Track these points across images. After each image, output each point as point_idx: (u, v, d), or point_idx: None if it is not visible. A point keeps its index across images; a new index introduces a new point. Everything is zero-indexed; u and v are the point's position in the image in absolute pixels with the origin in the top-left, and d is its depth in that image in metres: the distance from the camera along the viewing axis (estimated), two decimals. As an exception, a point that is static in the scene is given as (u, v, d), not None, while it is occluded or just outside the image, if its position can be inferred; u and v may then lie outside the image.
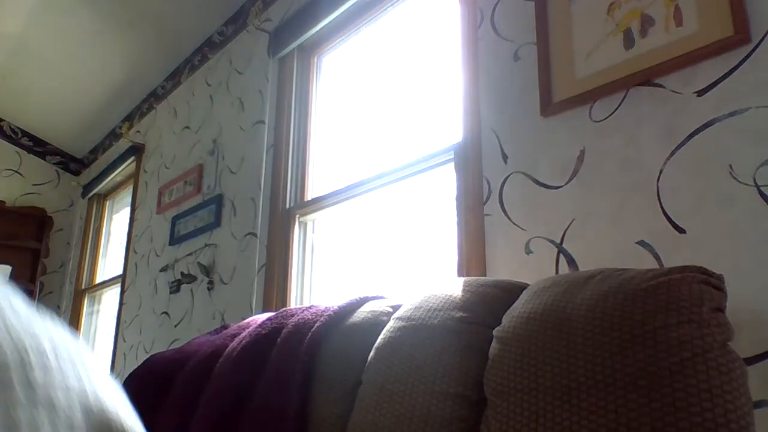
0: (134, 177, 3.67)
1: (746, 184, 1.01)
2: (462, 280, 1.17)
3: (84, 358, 0.48)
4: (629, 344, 0.76)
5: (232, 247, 2.47)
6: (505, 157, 1.44)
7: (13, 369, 0.40)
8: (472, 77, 1.57)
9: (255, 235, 2.35)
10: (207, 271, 2.57)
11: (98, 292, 4.01)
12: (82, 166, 4.57)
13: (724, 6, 1.09)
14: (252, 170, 2.48)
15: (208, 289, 2.55)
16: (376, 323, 1.24)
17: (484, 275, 1.41)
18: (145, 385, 1.62)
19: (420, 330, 1.08)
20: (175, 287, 2.81)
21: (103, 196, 4.30)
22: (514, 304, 1.00)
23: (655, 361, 0.73)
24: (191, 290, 2.69)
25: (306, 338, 1.31)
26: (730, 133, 1.05)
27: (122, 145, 3.86)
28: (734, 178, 1.03)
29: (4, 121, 4.15)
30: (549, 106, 1.35)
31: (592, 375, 0.78)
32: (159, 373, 1.63)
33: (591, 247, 1.22)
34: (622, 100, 1.23)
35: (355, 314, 1.32)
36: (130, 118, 3.91)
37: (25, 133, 4.22)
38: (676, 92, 1.14)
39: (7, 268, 3.97)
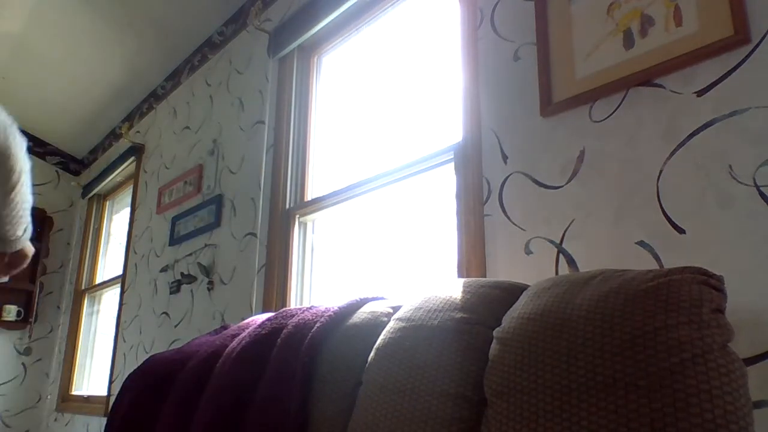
0: (134, 177, 3.67)
1: (746, 184, 1.01)
2: (462, 280, 1.17)
3: None
4: (629, 345, 0.76)
5: (232, 247, 2.47)
6: (505, 157, 1.44)
7: None
8: (472, 77, 1.57)
9: (255, 235, 2.35)
10: (207, 271, 2.57)
11: (98, 293, 4.01)
12: (82, 166, 4.57)
13: (724, 6, 1.09)
14: (252, 170, 2.48)
15: (208, 289, 2.55)
16: (376, 324, 1.24)
17: (484, 276, 1.41)
18: (145, 385, 1.62)
19: (420, 331, 1.08)
20: (175, 287, 2.81)
21: (103, 197, 4.30)
22: (515, 305, 1.00)
23: (655, 362, 0.73)
24: (191, 290, 2.70)
25: (306, 339, 1.31)
26: (730, 133, 1.05)
27: (122, 145, 3.86)
28: (734, 178, 1.03)
29: (4, 121, 4.15)
30: (549, 106, 1.35)
31: (592, 376, 0.78)
32: (159, 373, 1.63)
33: (591, 247, 1.22)
34: (622, 100, 1.23)
35: (356, 315, 1.32)
36: (130, 118, 3.91)
37: (25, 134, 4.21)
38: (676, 92, 1.14)
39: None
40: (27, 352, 4.17)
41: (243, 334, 1.53)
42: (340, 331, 1.29)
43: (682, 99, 1.13)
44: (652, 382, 0.72)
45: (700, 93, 1.11)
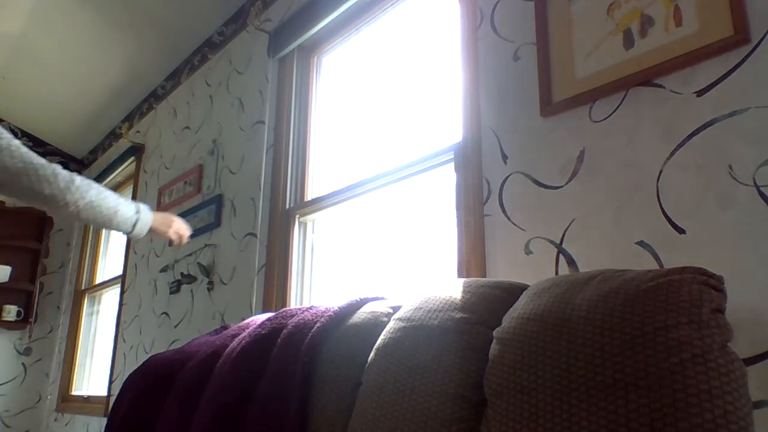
0: (134, 177, 3.67)
1: (746, 184, 1.01)
2: (462, 280, 1.17)
3: None
4: (629, 345, 0.76)
5: (232, 247, 2.47)
6: (504, 158, 1.44)
7: None
8: (472, 77, 1.57)
9: (255, 235, 2.35)
10: (207, 271, 2.57)
11: (98, 293, 4.01)
12: (82, 166, 4.57)
13: (723, 6, 1.09)
14: (252, 170, 2.48)
15: (208, 289, 2.55)
16: (376, 324, 1.24)
17: (484, 276, 1.41)
18: (145, 385, 1.62)
19: (420, 331, 1.08)
20: (175, 287, 2.81)
21: (103, 197, 4.29)
22: (514, 305, 1.00)
23: (655, 362, 0.73)
24: (191, 291, 2.70)
25: (306, 339, 1.31)
26: (730, 133, 1.05)
27: (122, 145, 3.86)
28: (734, 178, 1.03)
29: (4, 121, 4.15)
30: (549, 106, 1.35)
31: (592, 376, 0.78)
32: (159, 373, 1.63)
33: (591, 247, 1.22)
34: (622, 100, 1.23)
35: (355, 315, 1.32)
36: (129, 119, 3.91)
37: (25, 134, 4.22)
38: (676, 92, 1.14)
39: (7, 269, 3.97)
40: (27, 352, 4.17)
41: (243, 334, 1.53)
42: (340, 331, 1.29)
43: (682, 99, 1.13)
44: (652, 382, 0.72)
45: (700, 93, 1.11)
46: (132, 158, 3.66)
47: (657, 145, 1.15)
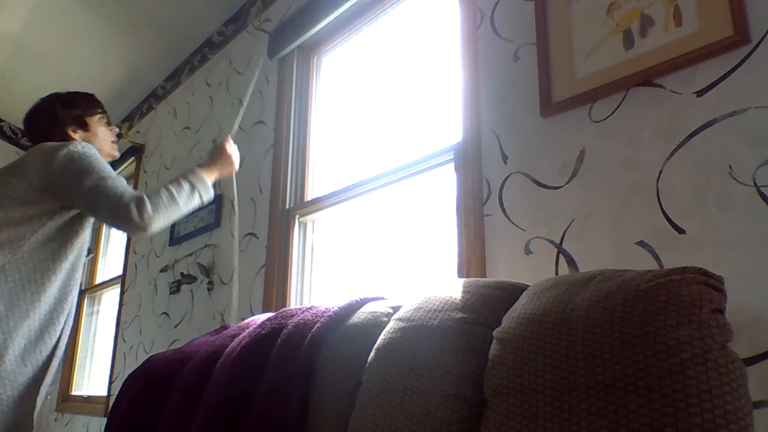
0: (134, 177, 3.67)
1: (746, 185, 1.01)
2: (462, 281, 1.17)
3: None
4: (629, 345, 0.76)
5: (232, 247, 2.47)
6: (504, 158, 1.44)
7: None
8: (472, 77, 1.57)
9: (255, 235, 2.35)
10: (207, 271, 2.57)
11: (98, 293, 4.01)
12: (82, 166, 4.56)
13: (723, 6, 1.09)
14: (252, 170, 2.47)
15: (208, 289, 2.55)
16: (376, 324, 1.24)
17: (484, 276, 1.41)
18: (145, 385, 1.62)
19: (420, 331, 1.08)
20: (175, 288, 2.81)
21: (103, 197, 4.29)
22: (514, 305, 1.00)
23: (655, 362, 0.73)
24: (191, 291, 2.69)
25: (306, 339, 1.31)
26: (730, 133, 1.05)
27: (122, 145, 3.85)
28: (734, 178, 1.03)
29: (5, 121, 4.15)
30: (549, 106, 1.35)
31: (592, 376, 0.78)
32: (159, 373, 1.63)
33: (591, 247, 1.22)
34: (622, 100, 1.23)
35: (355, 315, 1.32)
36: (130, 119, 3.91)
37: (25, 134, 4.21)
38: (676, 92, 1.14)
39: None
40: (27, 352, 4.16)
41: (243, 335, 1.52)
42: (340, 331, 1.29)
43: (682, 99, 1.13)
44: (651, 382, 0.72)
45: (700, 93, 1.11)
46: (132, 158, 3.66)
47: (657, 145, 1.15)
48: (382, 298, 1.40)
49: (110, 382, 3.27)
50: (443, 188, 1.70)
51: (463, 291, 1.11)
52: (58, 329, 1.53)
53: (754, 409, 0.76)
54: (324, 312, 1.37)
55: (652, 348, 0.74)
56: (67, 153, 1.48)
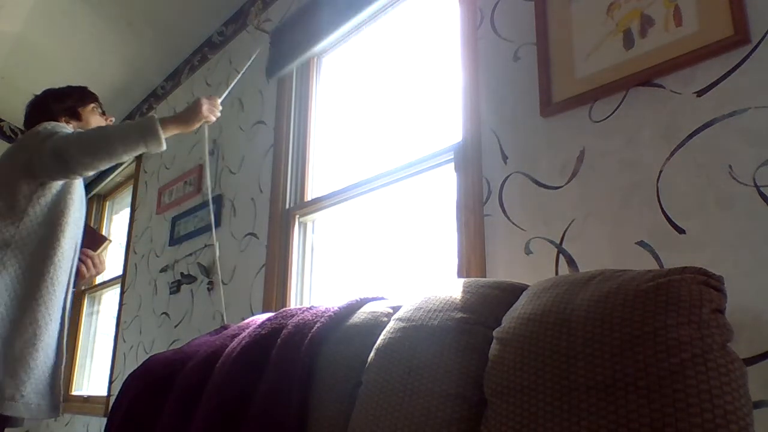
0: (134, 177, 3.67)
1: (746, 185, 1.01)
2: (462, 281, 1.17)
3: None
4: (629, 345, 0.76)
5: (232, 247, 2.47)
6: (504, 158, 1.44)
7: None
8: (472, 77, 1.57)
9: (255, 235, 2.35)
10: (207, 271, 2.57)
11: (98, 293, 4.01)
12: (82, 166, 4.56)
13: (723, 6, 1.09)
14: (252, 170, 2.47)
15: (208, 289, 2.55)
16: (376, 324, 1.24)
17: (484, 276, 1.41)
18: (145, 385, 1.62)
19: (420, 331, 1.08)
20: (175, 288, 2.81)
21: (103, 197, 4.30)
22: (515, 305, 1.00)
23: (655, 362, 0.73)
24: (191, 290, 2.69)
25: (306, 339, 1.31)
26: (730, 133, 1.05)
27: (122, 145, 3.85)
28: (734, 178, 1.03)
29: (4, 121, 4.15)
30: (549, 106, 1.35)
31: (592, 376, 0.78)
32: (159, 373, 1.63)
33: (591, 247, 1.22)
34: (622, 100, 1.23)
35: (356, 315, 1.32)
36: (130, 119, 3.91)
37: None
38: (676, 92, 1.14)
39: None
40: (27, 352, 4.16)
41: (243, 335, 1.52)
42: (340, 331, 1.29)
43: (682, 99, 1.13)
44: (651, 382, 0.72)
45: (700, 93, 1.11)
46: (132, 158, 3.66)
47: (657, 145, 1.15)
48: (382, 298, 1.40)
49: (110, 382, 3.27)
50: (443, 188, 1.70)
51: (463, 291, 1.11)
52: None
53: (754, 409, 0.76)
54: (324, 312, 1.37)
55: (652, 348, 0.74)
56: (35, 129, 1.56)
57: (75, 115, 1.75)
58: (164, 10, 2.94)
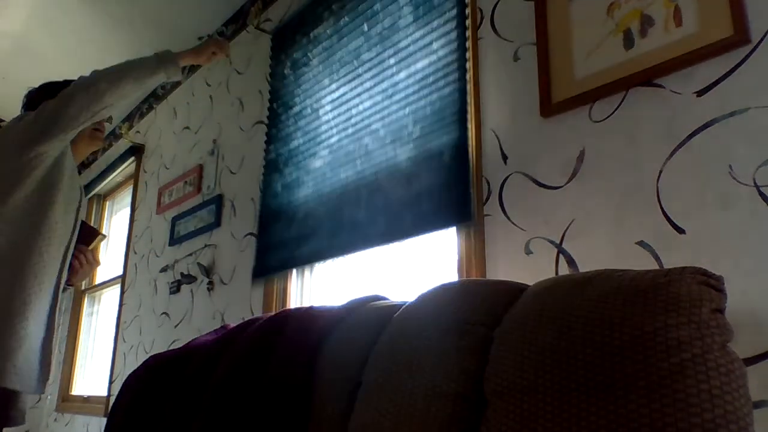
0: (134, 177, 3.67)
1: (746, 184, 1.01)
2: (462, 280, 1.17)
3: None
4: (629, 345, 0.76)
5: (232, 247, 2.47)
6: (504, 158, 1.44)
7: None
8: (472, 77, 1.57)
9: (255, 235, 2.34)
10: (207, 271, 2.57)
11: (98, 293, 4.01)
12: (82, 166, 4.56)
13: (723, 6, 1.09)
14: (252, 170, 2.47)
15: (208, 289, 2.55)
16: (376, 324, 1.24)
17: (484, 276, 1.41)
18: (145, 385, 1.62)
19: (420, 331, 1.08)
20: (175, 288, 2.81)
21: (103, 197, 4.30)
22: (515, 305, 1.00)
23: (655, 362, 0.73)
24: (191, 291, 2.70)
25: (307, 339, 1.31)
26: (730, 133, 1.05)
27: (122, 145, 3.86)
28: (734, 178, 1.03)
29: (4, 121, 4.15)
30: (549, 106, 1.35)
31: (591, 376, 0.78)
32: (159, 373, 1.63)
33: (591, 247, 1.22)
34: (622, 100, 1.23)
35: (356, 315, 1.32)
36: (129, 119, 3.91)
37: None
38: (676, 92, 1.14)
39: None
40: (27, 352, 4.16)
41: (243, 335, 1.52)
42: (340, 331, 1.29)
43: (682, 99, 1.13)
44: (651, 383, 0.72)
45: (700, 93, 1.11)
46: (132, 158, 3.66)
47: (657, 145, 1.15)
48: (383, 298, 1.40)
49: (110, 382, 3.27)
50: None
51: (463, 291, 1.11)
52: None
53: (754, 409, 0.76)
54: (324, 312, 1.37)
55: (652, 348, 0.74)
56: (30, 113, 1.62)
57: None
58: (164, 10, 2.95)
